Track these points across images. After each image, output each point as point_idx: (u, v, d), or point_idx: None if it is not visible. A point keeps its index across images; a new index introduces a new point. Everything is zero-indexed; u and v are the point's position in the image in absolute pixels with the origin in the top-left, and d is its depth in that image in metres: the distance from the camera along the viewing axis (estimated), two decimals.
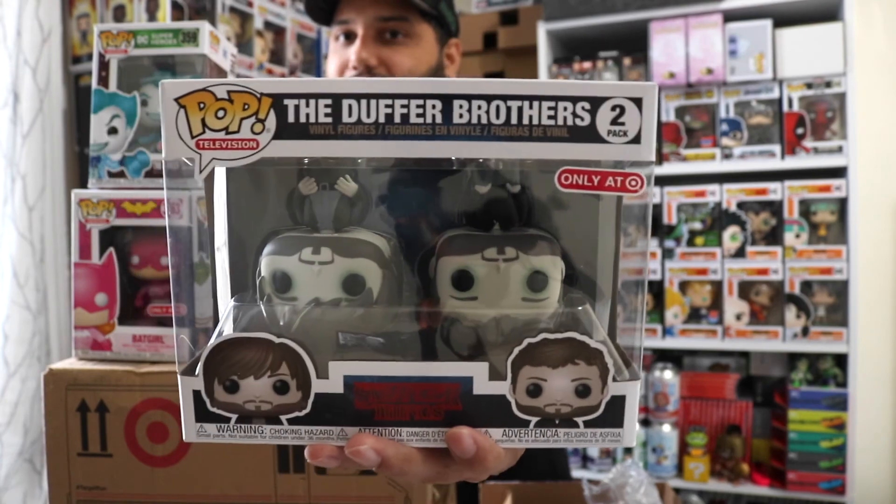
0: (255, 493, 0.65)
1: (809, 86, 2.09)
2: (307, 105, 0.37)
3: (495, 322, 0.41)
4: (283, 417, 0.40)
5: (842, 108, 2.06)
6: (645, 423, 2.27)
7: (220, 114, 0.38)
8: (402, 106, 0.37)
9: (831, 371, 2.14)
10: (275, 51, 2.27)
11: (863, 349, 2.08)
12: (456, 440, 0.39)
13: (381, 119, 0.37)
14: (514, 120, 0.38)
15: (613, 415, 0.40)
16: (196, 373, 0.40)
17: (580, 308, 0.42)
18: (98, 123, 0.70)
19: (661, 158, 2.23)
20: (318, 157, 0.39)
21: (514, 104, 0.37)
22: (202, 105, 0.38)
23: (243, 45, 2.13)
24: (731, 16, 2.11)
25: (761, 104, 2.14)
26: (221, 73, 0.75)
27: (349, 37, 1.13)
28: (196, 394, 0.40)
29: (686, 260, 2.21)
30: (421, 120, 0.37)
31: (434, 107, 0.37)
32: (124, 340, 0.68)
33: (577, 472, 2.24)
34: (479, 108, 0.37)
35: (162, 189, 0.68)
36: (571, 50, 2.42)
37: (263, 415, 0.40)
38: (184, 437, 0.41)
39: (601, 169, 0.39)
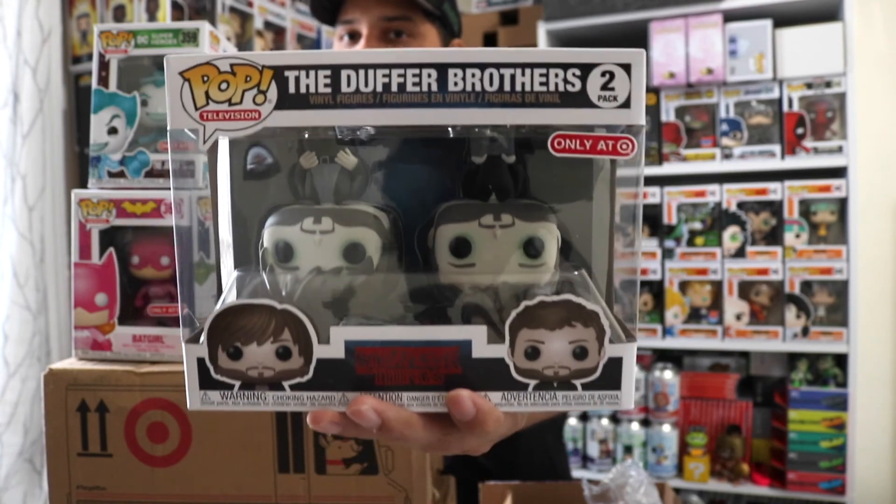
0: (255, 493, 0.65)
1: (809, 86, 2.09)
2: (307, 76, 0.39)
3: (493, 288, 0.42)
4: (286, 384, 0.40)
5: (842, 108, 2.06)
6: (645, 423, 2.28)
7: (224, 86, 0.39)
8: (399, 75, 0.38)
9: (831, 371, 2.14)
10: (275, 50, 2.27)
11: (863, 349, 2.08)
12: (456, 402, 0.39)
13: (379, 88, 0.38)
14: (507, 87, 0.38)
15: (611, 377, 0.40)
16: (200, 341, 0.40)
17: (576, 273, 0.43)
18: (98, 123, 0.70)
19: (661, 158, 2.23)
20: (319, 127, 0.40)
21: (507, 72, 0.38)
22: (206, 78, 0.39)
23: (243, 45, 2.13)
24: (731, 16, 2.11)
25: (761, 104, 2.14)
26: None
27: (353, 36, 1.13)
28: (200, 361, 0.40)
29: (686, 260, 2.21)
30: (417, 88, 0.38)
31: (430, 75, 0.38)
32: (124, 340, 0.68)
33: (576, 472, 2.24)
34: (473, 76, 0.38)
35: (162, 189, 0.69)
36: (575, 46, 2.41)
37: (266, 381, 0.40)
38: (188, 406, 0.41)
39: (592, 133, 0.39)
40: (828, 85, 2.07)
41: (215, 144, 0.42)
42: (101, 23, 1.97)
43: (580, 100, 0.39)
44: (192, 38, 0.70)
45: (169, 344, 0.68)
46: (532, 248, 0.42)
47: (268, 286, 0.42)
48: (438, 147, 0.44)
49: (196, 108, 0.39)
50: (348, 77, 0.38)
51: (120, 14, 1.96)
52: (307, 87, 0.39)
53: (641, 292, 2.28)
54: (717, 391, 2.27)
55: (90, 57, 2.00)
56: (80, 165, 2.06)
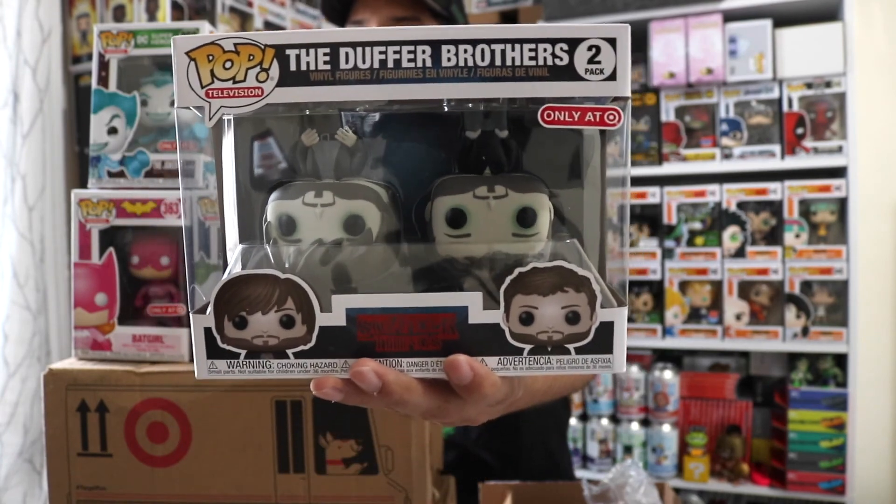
0: (254, 493, 0.65)
1: (809, 86, 2.09)
2: (307, 54, 0.40)
3: (488, 257, 0.43)
4: (290, 351, 0.41)
5: (842, 108, 2.06)
6: (645, 423, 2.28)
7: (228, 65, 0.41)
8: (395, 52, 0.40)
9: (831, 371, 2.14)
10: None
11: (863, 349, 2.08)
12: (453, 367, 0.40)
13: (376, 65, 0.40)
14: (497, 62, 0.40)
15: (603, 341, 0.41)
16: (207, 312, 0.42)
17: (567, 241, 0.44)
18: (98, 123, 0.70)
19: (660, 158, 2.23)
20: (319, 102, 0.41)
21: (498, 47, 0.40)
22: (211, 57, 0.41)
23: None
24: (730, 16, 2.11)
25: (761, 104, 2.14)
26: None
27: None
28: (207, 331, 0.42)
29: (686, 260, 2.21)
30: (412, 64, 0.40)
31: (424, 52, 0.40)
32: (124, 340, 0.68)
33: (576, 472, 2.24)
34: (466, 51, 0.40)
35: (162, 189, 0.69)
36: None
37: (271, 349, 0.41)
38: (196, 375, 0.42)
39: (580, 105, 0.41)
40: (828, 85, 2.07)
41: (220, 123, 0.43)
42: (101, 23, 1.97)
43: (568, 73, 0.40)
44: None
45: (169, 344, 0.68)
46: (525, 218, 0.43)
47: (271, 258, 0.43)
48: (434, 124, 0.46)
49: (202, 86, 0.41)
50: (346, 54, 0.40)
51: (120, 14, 1.96)
52: (307, 64, 0.40)
53: (641, 292, 2.28)
54: (716, 391, 2.27)
55: (90, 57, 2.00)
56: (80, 165, 2.06)
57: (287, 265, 0.43)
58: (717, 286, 2.19)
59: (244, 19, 2.14)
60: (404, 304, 0.41)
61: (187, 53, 0.41)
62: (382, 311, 0.41)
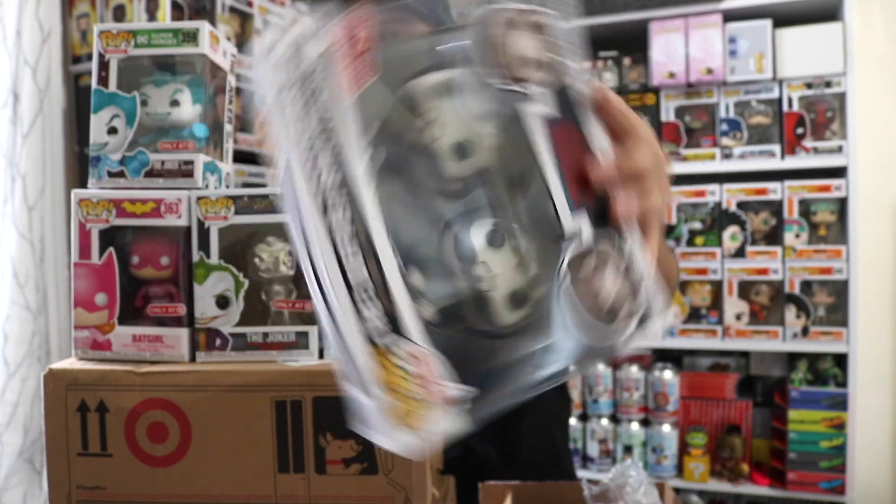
0: (255, 492, 0.65)
1: (809, 86, 2.09)
2: (366, 319, 0.39)
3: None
4: (627, 260, 0.44)
5: (841, 107, 2.07)
6: (645, 423, 2.28)
7: (403, 392, 0.39)
8: None
9: (831, 371, 2.14)
10: None
11: (862, 349, 2.08)
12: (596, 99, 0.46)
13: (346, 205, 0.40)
14: None
15: None
16: (613, 335, 0.43)
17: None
18: (98, 123, 0.70)
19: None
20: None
21: None
22: (406, 414, 0.39)
23: (243, 45, 2.13)
24: (730, 16, 2.12)
25: (761, 104, 2.14)
26: (221, 72, 0.75)
27: None
28: (633, 331, 0.44)
29: (686, 260, 2.21)
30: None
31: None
32: (124, 340, 0.68)
33: (577, 472, 2.24)
34: None
35: (162, 189, 0.69)
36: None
37: (627, 276, 0.44)
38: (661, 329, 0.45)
39: None
40: (827, 85, 2.07)
41: None
42: (101, 23, 1.97)
43: None
44: (191, 38, 0.70)
45: (169, 344, 0.68)
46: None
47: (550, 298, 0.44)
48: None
49: (435, 410, 0.39)
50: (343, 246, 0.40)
51: (120, 14, 1.96)
52: (376, 328, 0.39)
53: None
54: (716, 391, 2.27)
55: (90, 57, 2.00)
56: (80, 165, 2.05)
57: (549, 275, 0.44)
58: (717, 286, 2.19)
59: (244, 19, 2.14)
60: (551, 166, 0.43)
61: (408, 432, 0.38)
62: (562, 186, 0.43)
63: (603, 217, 0.44)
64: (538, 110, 0.43)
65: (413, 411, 0.37)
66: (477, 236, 0.42)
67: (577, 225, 0.43)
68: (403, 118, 0.41)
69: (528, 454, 1.09)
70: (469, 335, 0.41)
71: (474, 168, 0.42)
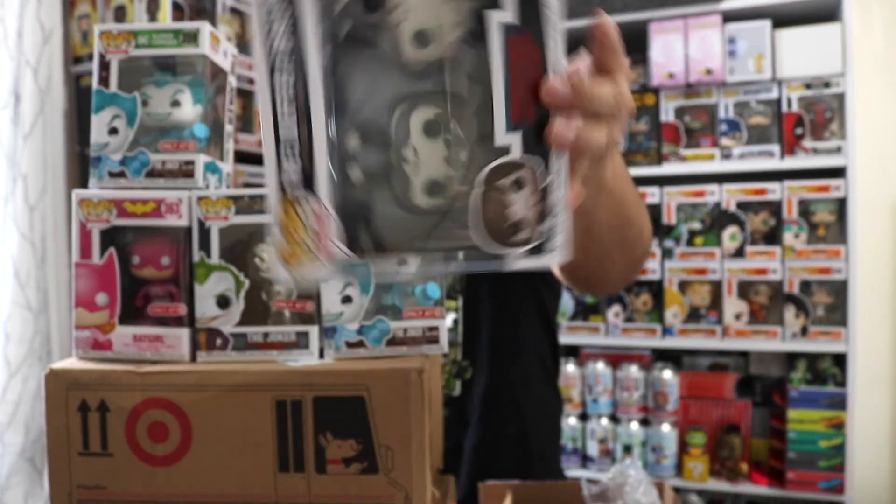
0: (255, 492, 0.65)
1: (808, 86, 2.10)
2: (286, 170, 0.44)
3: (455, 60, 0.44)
4: (543, 185, 0.45)
5: (840, 108, 2.07)
6: (644, 422, 2.28)
7: (291, 232, 0.45)
8: None
9: (830, 370, 2.14)
10: None
11: (861, 349, 2.08)
12: (599, 28, 0.46)
13: (294, 105, 0.43)
14: None
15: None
16: (505, 254, 0.45)
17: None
18: (99, 124, 0.70)
19: (660, 158, 2.23)
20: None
21: None
22: (291, 256, 0.45)
23: (243, 46, 2.13)
24: (730, 16, 2.12)
25: (760, 104, 2.14)
26: (222, 73, 0.75)
27: None
28: (526, 254, 0.45)
29: (685, 260, 2.22)
30: None
31: None
32: (125, 340, 0.68)
33: (576, 472, 2.24)
34: None
35: (162, 189, 0.69)
36: (571, 50, 2.42)
37: (540, 200, 0.44)
38: (562, 262, 0.46)
39: None
40: (826, 85, 2.08)
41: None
42: (102, 23, 1.97)
43: None
44: (192, 38, 0.70)
45: (169, 344, 0.68)
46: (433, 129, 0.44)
47: (463, 204, 0.45)
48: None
49: (316, 260, 0.45)
50: (288, 143, 0.44)
51: (120, 14, 1.96)
52: (294, 171, 0.44)
53: (641, 292, 2.28)
54: (716, 391, 2.28)
55: (91, 57, 2.00)
56: (80, 165, 2.06)
57: (468, 187, 0.45)
58: (716, 286, 2.19)
59: (244, 20, 2.14)
60: (500, 78, 0.43)
61: (288, 270, 0.44)
62: (507, 100, 0.44)
63: (541, 138, 0.45)
64: (501, 17, 0.43)
65: (297, 256, 0.43)
66: (416, 121, 0.44)
67: (508, 141, 0.44)
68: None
69: (504, 450, 1.09)
70: (384, 202, 0.45)
71: (432, 57, 0.44)
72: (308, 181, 0.43)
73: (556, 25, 0.44)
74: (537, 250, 0.44)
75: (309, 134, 0.43)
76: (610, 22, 0.46)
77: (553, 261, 0.45)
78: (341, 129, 0.44)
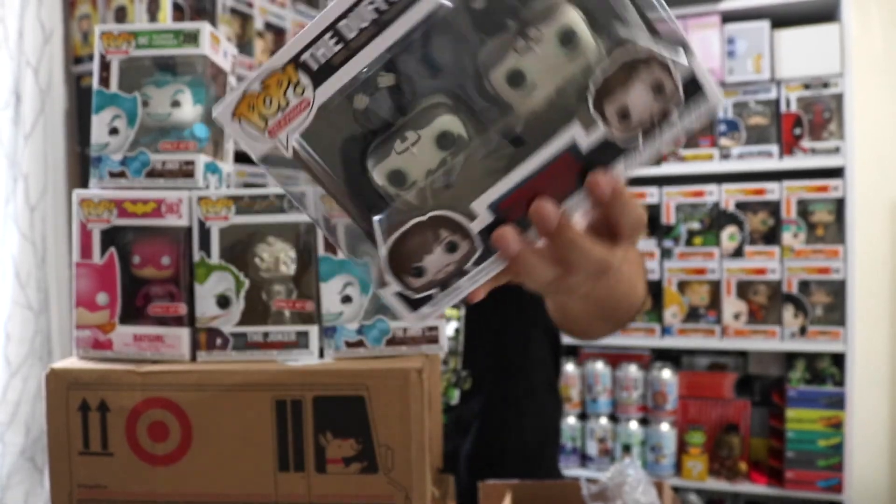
0: (255, 491, 0.65)
1: (807, 86, 2.10)
2: (318, 48, 0.43)
3: (563, 92, 0.45)
4: (468, 266, 0.45)
5: (839, 108, 2.07)
6: (643, 422, 2.28)
7: (267, 101, 0.44)
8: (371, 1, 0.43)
9: (829, 370, 2.15)
10: (275, 51, 2.27)
11: (860, 348, 2.09)
12: (594, 185, 0.43)
13: (373, 16, 0.43)
14: None
15: (694, 90, 0.43)
16: (387, 282, 0.45)
17: (611, 33, 0.45)
18: (99, 124, 0.70)
19: (659, 158, 2.23)
20: (354, 77, 0.44)
21: None
22: (252, 106, 0.44)
23: (244, 46, 2.13)
24: (729, 17, 2.12)
25: (759, 104, 2.15)
26: (222, 73, 0.75)
27: None
28: (399, 295, 0.45)
29: (684, 260, 2.22)
30: None
31: None
32: (125, 340, 0.69)
33: (575, 472, 2.25)
34: None
35: (162, 189, 0.69)
36: None
37: (453, 274, 0.45)
38: (412, 326, 0.46)
39: None
40: (825, 85, 2.08)
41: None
42: (103, 24, 1.97)
43: None
44: (192, 38, 0.71)
45: (170, 343, 0.68)
46: (568, 40, 0.45)
47: (402, 209, 0.46)
48: (447, 23, 0.47)
49: (263, 132, 0.44)
50: (345, 24, 0.43)
51: (121, 15, 1.96)
52: (323, 55, 0.43)
53: None
54: (715, 390, 2.28)
55: (91, 58, 2.00)
56: (81, 165, 2.06)
57: (419, 206, 0.46)
58: (715, 286, 2.19)
59: (244, 20, 2.14)
60: (527, 172, 0.44)
61: (233, 116, 0.44)
62: (514, 189, 0.44)
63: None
64: (575, 134, 0.44)
65: (255, 112, 0.44)
66: (439, 122, 0.46)
67: (479, 211, 0.44)
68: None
69: (502, 449, 1.09)
70: (353, 150, 0.47)
71: (505, 94, 0.45)
72: (317, 83, 0.43)
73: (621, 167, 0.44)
74: (409, 302, 0.45)
75: (341, 64, 0.44)
76: (617, 181, 0.44)
77: (409, 319, 0.46)
78: (375, 67, 0.45)
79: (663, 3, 0.44)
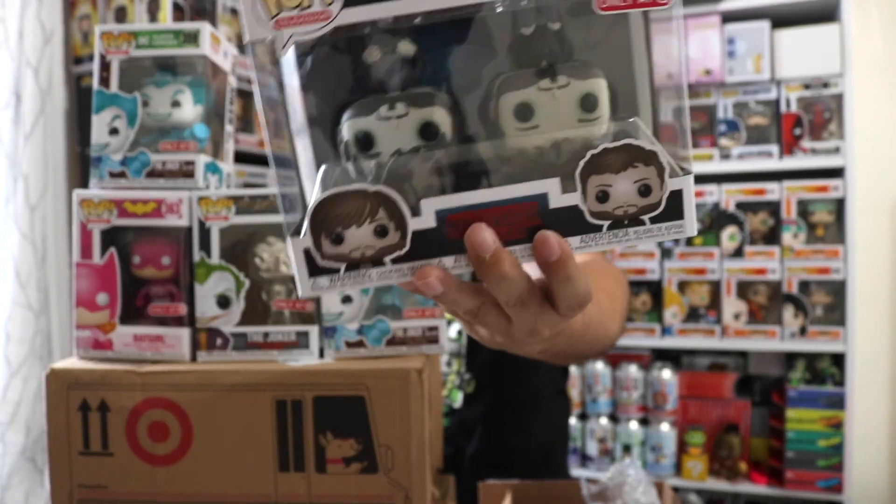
0: (255, 491, 0.65)
1: (807, 86, 2.10)
2: None
3: (557, 145, 0.45)
4: (387, 259, 0.44)
5: (839, 108, 2.07)
6: (643, 422, 2.28)
7: None
8: None
9: (829, 370, 2.15)
10: None
11: (860, 348, 2.09)
12: (542, 242, 0.43)
13: None
14: None
15: (674, 208, 0.43)
16: (303, 234, 0.43)
17: (630, 120, 0.46)
18: (99, 124, 0.71)
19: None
20: (386, 17, 0.43)
21: None
22: None
23: (244, 46, 2.13)
24: (729, 17, 2.12)
25: (759, 105, 2.15)
26: (222, 73, 0.75)
27: None
28: (306, 252, 0.44)
29: (684, 260, 2.22)
30: None
31: None
32: (125, 340, 0.69)
33: (575, 472, 2.25)
34: None
35: (163, 189, 0.69)
36: None
37: (369, 259, 0.44)
38: (300, 295, 0.44)
39: None
40: (825, 86, 2.08)
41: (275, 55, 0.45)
42: (103, 24, 1.97)
43: None
44: (192, 38, 0.71)
45: (170, 343, 0.68)
46: (588, 104, 0.45)
47: (353, 174, 0.45)
48: (487, 25, 0.47)
49: (271, 18, 0.42)
50: None
51: (121, 15, 1.97)
52: None
53: (640, 292, 2.29)
54: (715, 390, 2.28)
55: (91, 58, 2.00)
56: (81, 166, 2.06)
57: (370, 178, 0.45)
58: (715, 286, 2.19)
59: None
60: (489, 199, 0.43)
61: None
62: (469, 208, 0.43)
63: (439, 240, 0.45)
64: (550, 189, 0.43)
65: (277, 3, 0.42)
66: (434, 111, 0.45)
67: (425, 213, 0.43)
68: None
69: (509, 452, 1.09)
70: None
71: (502, 125, 0.45)
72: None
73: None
74: (311, 265, 0.44)
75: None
76: (568, 254, 0.44)
77: (303, 284, 0.44)
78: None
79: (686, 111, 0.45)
